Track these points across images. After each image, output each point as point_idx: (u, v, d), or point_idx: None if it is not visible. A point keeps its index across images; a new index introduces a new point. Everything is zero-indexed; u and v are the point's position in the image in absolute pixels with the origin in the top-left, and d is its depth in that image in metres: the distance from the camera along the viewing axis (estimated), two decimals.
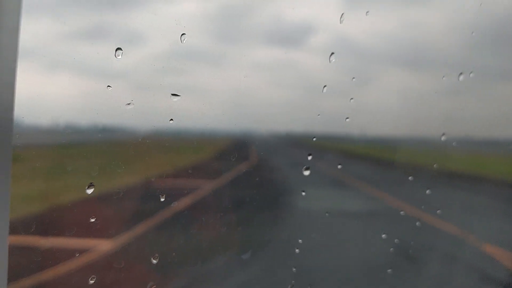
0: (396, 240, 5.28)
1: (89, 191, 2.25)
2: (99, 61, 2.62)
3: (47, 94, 2.64)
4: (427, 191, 4.65)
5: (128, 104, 2.39)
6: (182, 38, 2.62)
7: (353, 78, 3.58)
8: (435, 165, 5.39)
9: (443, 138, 4.36)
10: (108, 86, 2.47)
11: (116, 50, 2.26)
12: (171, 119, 2.81)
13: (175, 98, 2.44)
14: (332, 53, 2.95)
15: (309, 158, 3.14)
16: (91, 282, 2.33)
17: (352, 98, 3.34)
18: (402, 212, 6.27)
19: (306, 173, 3.10)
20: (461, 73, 3.92)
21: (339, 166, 5.23)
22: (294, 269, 3.73)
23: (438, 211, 5.32)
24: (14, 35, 1.08)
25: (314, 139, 3.36)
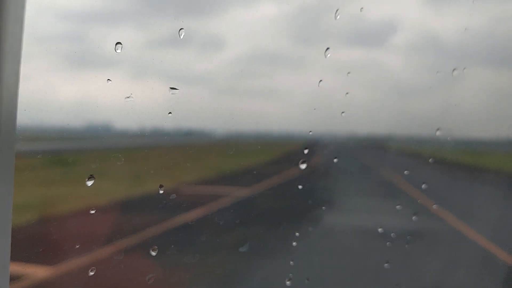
0: None
1: (89, 182, 2.31)
2: (182, 66, 2.71)
3: (135, 99, 2.76)
4: None
5: (128, 97, 2.39)
6: (259, 41, 2.65)
7: (437, 72, 3.43)
8: None
9: None
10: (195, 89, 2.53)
11: (116, 44, 2.25)
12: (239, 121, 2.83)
13: (173, 91, 2.42)
14: (328, 48, 2.82)
15: (305, 151, 3.14)
16: (91, 273, 2.44)
17: (347, 93, 3.17)
18: None
19: (303, 166, 3.10)
20: None
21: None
22: (291, 262, 3.71)
23: None
24: (17, 39, 1.11)
25: (310, 132, 3.30)
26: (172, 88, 2.40)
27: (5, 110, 1.06)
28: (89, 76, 2.41)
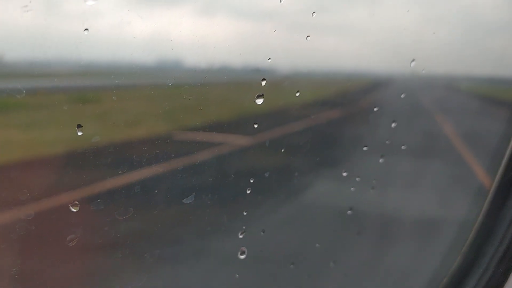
0: None
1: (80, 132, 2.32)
2: (249, 1, 2.67)
3: (202, 37, 2.78)
4: None
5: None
6: None
7: None
8: None
9: None
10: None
11: (84, 30, 2.21)
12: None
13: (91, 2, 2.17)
14: (314, 12, 2.54)
15: (263, 83, 2.70)
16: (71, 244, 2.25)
17: (308, 36, 2.82)
18: None
19: (259, 101, 2.63)
20: None
21: None
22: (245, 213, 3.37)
23: None
24: None
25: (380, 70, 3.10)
26: None
27: None
28: (158, 12, 2.44)
